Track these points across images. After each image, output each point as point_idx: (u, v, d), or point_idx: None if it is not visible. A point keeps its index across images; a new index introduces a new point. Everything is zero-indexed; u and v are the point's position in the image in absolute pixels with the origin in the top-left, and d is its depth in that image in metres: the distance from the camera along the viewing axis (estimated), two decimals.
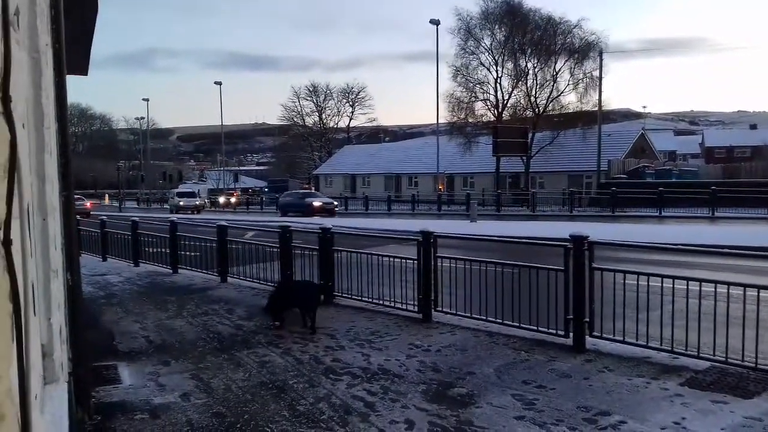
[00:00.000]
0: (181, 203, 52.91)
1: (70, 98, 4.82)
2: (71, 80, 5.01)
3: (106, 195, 74.61)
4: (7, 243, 1.23)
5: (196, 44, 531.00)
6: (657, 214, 29.44)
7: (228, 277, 12.24)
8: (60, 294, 3.91)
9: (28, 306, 1.97)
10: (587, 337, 7.08)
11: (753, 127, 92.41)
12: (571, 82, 48.35)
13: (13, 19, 1.63)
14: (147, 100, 76.57)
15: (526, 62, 49.03)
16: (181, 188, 63.62)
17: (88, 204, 49.35)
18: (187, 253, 13.81)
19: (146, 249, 15.17)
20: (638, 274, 6.96)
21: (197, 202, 54.26)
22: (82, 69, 8.64)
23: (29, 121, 2.96)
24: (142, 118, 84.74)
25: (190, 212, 49.18)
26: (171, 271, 13.82)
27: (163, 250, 14.41)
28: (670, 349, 6.51)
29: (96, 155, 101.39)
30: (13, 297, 1.27)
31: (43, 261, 3.37)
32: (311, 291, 8.70)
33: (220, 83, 63.72)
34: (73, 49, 6.28)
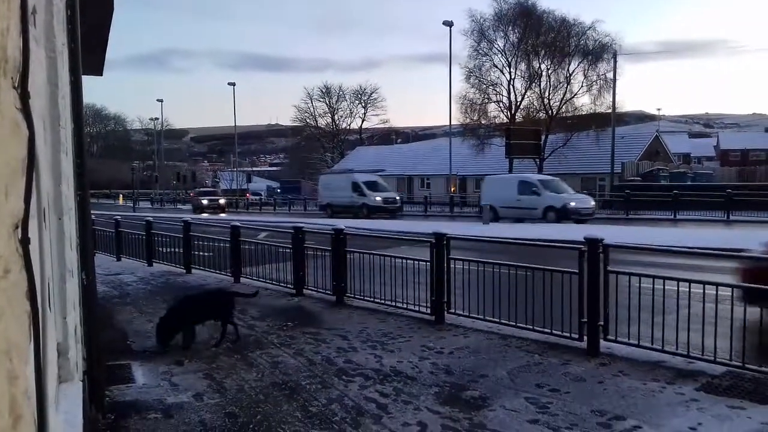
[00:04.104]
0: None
1: (84, 99, 4.84)
2: (86, 81, 5.02)
3: (120, 195, 75.01)
4: (25, 241, 1.22)
5: (211, 45, 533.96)
6: (671, 217, 29.20)
7: (241, 278, 12.26)
8: (75, 293, 3.93)
9: (45, 305, 1.97)
10: (601, 340, 7.02)
11: None
12: (584, 84, 48.27)
13: (29, 17, 1.63)
14: (161, 101, 77.48)
15: (540, 64, 48.88)
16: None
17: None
18: (201, 253, 13.86)
19: (160, 249, 15.25)
20: (653, 277, 6.88)
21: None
22: (97, 69, 8.69)
23: (46, 120, 2.97)
24: (157, 118, 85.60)
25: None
26: (184, 271, 13.88)
27: (177, 249, 14.47)
28: (685, 353, 6.43)
29: (110, 155, 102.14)
30: (31, 296, 1.27)
31: (59, 260, 3.39)
32: (223, 299, 7.94)
33: (233, 84, 64.04)
34: (88, 50, 6.31)
